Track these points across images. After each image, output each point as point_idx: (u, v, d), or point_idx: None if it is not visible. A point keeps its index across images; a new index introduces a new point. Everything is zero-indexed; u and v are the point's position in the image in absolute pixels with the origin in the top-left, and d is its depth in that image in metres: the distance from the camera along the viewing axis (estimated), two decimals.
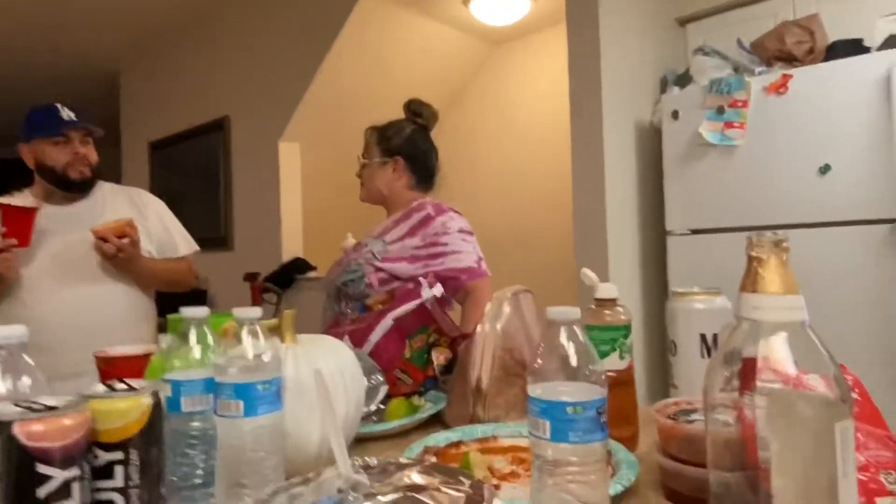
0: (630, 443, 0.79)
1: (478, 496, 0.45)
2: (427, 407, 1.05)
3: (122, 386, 0.51)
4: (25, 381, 0.54)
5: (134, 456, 0.48)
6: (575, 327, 0.55)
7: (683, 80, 2.51)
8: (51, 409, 0.45)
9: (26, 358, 0.56)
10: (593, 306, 0.84)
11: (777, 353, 0.47)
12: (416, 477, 0.54)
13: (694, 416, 0.67)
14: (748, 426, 0.48)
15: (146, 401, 0.50)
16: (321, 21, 3.44)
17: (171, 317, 1.04)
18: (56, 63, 4.83)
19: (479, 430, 0.87)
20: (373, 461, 0.57)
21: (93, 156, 1.77)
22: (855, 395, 0.65)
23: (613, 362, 0.80)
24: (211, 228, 4.18)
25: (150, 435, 0.50)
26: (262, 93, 3.84)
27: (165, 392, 0.65)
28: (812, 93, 2.12)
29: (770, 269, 0.48)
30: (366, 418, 0.97)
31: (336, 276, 1.61)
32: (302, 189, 3.82)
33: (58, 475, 0.43)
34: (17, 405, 0.45)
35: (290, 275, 3.60)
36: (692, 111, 2.32)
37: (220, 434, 0.66)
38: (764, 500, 0.46)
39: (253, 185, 3.94)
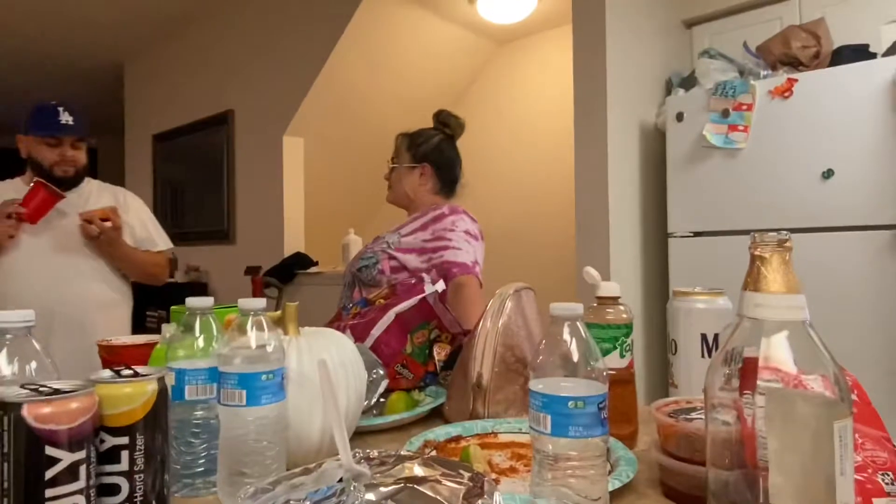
0: (629, 440, 0.80)
1: (478, 488, 0.46)
2: (427, 401, 1.06)
3: (128, 372, 0.52)
4: (32, 364, 0.54)
5: (139, 441, 0.49)
6: (578, 323, 0.56)
7: (688, 82, 2.52)
8: (58, 392, 0.45)
9: (33, 342, 0.56)
10: (595, 304, 0.84)
11: (778, 352, 0.47)
12: (416, 469, 0.54)
13: (693, 415, 0.68)
14: (748, 425, 0.48)
15: (152, 387, 0.50)
16: (327, 16, 3.44)
17: (174, 308, 1.05)
18: (62, 54, 4.84)
19: (479, 425, 0.87)
20: (373, 453, 0.57)
21: (81, 159, 1.88)
22: (853, 397, 0.65)
23: (614, 360, 0.81)
24: (213, 221, 4.19)
25: (156, 421, 0.50)
26: (266, 87, 3.85)
27: (169, 381, 0.65)
28: (817, 97, 2.12)
29: (773, 268, 0.48)
30: (366, 412, 0.97)
31: (353, 264, 1.67)
32: (304, 184, 3.83)
33: (65, 457, 0.43)
34: (24, 387, 0.46)
35: (290, 269, 3.61)
36: (697, 114, 2.33)
37: (223, 423, 0.67)
38: (762, 498, 0.46)
39: (256, 179, 3.94)
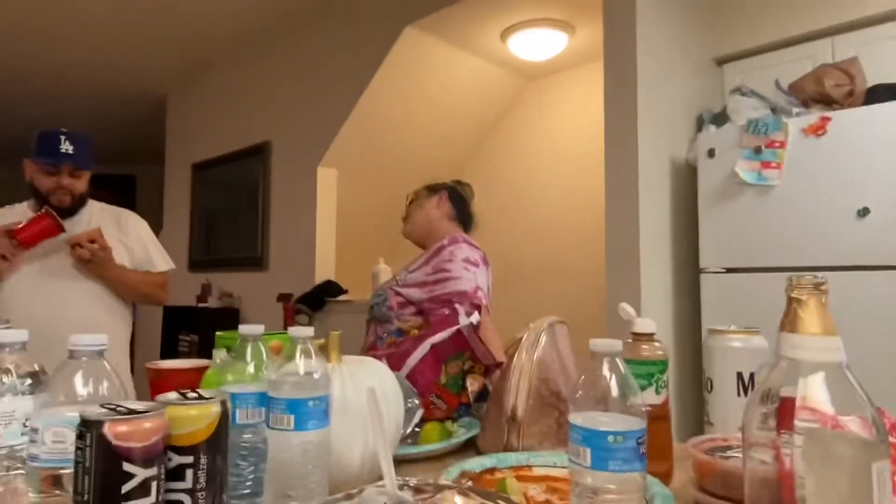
0: (665, 477, 0.80)
1: None
2: (461, 432, 1.07)
3: (194, 395, 0.55)
4: (104, 384, 0.58)
5: (202, 461, 0.52)
6: (617, 359, 0.58)
7: (720, 119, 2.53)
8: (133, 412, 0.49)
9: (105, 363, 0.61)
10: (630, 340, 0.86)
11: (815, 392, 0.49)
12: (457, 500, 0.56)
13: (730, 453, 0.69)
14: (785, 464, 0.49)
15: (215, 409, 0.54)
16: (364, 51, 3.57)
17: (219, 333, 1.10)
18: (108, 85, 5.08)
19: (514, 457, 0.88)
20: (412, 481, 0.60)
21: (78, 187, 1.90)
22: (891, 439, 0.65)
23: (650, 397, 0.81)
24: (247, 249, 4.29)
25: (217, 442, 0.54)
26: (303, 119, 3.97)
27: None
28: (851, 136, 2.12)
29: (809, 310, 0.50)
30: (401, 441, 0.99)
31: (369, 301, 1.74)
32: (336, 213, 3.91)
33: (140, 473, 0.47)
34: (103, 406, 0.50)
35: (321, 297, 3.67)
36: (728, 150, 2.33)
37: (271, 446, 0.70)
38: None
39: (290, 208, 4.04)
